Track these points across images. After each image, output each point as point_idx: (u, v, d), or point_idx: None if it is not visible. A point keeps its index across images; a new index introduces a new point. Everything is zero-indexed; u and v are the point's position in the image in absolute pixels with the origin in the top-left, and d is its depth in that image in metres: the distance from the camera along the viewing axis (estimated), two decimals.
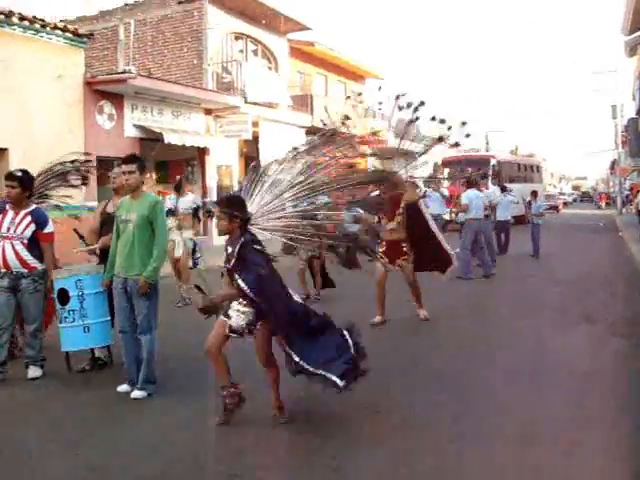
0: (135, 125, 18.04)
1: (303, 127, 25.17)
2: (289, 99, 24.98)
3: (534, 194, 17.54)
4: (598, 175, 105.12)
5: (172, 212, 9.93)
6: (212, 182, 21.44)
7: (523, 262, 15.63)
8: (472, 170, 29.43)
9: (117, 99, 17.47)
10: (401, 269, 8.61)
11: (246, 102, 21.03)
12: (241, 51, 23.63)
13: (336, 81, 30.75)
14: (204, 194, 21.19)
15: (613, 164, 56.87)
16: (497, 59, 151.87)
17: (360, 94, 28.83)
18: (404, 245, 8.61)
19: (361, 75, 32.61)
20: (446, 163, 29.20)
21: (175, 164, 21.68)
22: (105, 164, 18.30)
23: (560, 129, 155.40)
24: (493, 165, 27.61)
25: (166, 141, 17.82)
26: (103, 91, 16.90)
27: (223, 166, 22.19)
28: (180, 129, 19.31)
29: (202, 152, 20.85)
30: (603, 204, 57.68)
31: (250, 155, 22.59)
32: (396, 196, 8.45)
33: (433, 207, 15.03)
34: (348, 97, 28.53)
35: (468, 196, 13.33)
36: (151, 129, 18.08)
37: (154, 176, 22.09)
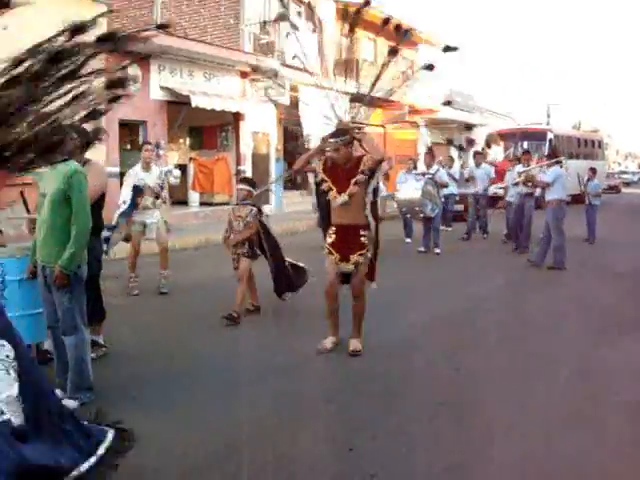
0: (162, 87, 16.96)
1: (347, 93, 23.74)
2: (331, 63, 23.52)
3: (592, 171, 15.89)
4: None
5: (139, 190, 8.51)
6: (247, 149, 20.29)
7: (574, 249, 13.97)
8: (528, 144, 27.95)
9: (142, 59, 16.36)
10: (355, 271, 6.05)
11: (284, 65, 19.70)
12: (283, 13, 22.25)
13: (386, 47, 29.05)
14: (238, 162, 20.12)
15: None
16: (565, 26, 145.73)
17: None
18: (363, 233, 6.07)
19: (413, 41, 30.81)
20: (501, 136, 27.49)
21: (209, 129, 20.64)
22: (130, 128, 17.55)
23: (629, 104, 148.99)
24: (550, 139, 25.76)
25: (194, 104, 16.70)
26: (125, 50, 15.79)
27: (259, 133, 21.01)
28: (212, 92, 18.15)
29: (237, 117, 19.71)
30: None
31: (289, 122, 21.40)
32: (353, 158, 6.17)
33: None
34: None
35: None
36: (179, 92, 16.98)
37: (187, 141, 21.14)
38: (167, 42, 16.04)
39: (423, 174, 12.97)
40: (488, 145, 14.98)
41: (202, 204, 19.56)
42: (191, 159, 19.60)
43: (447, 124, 33.84)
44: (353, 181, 5.98)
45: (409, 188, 12.31)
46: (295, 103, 20.81)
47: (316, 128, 21.60)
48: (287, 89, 19.57)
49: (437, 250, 12.70)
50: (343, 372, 5.67)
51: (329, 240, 6.11)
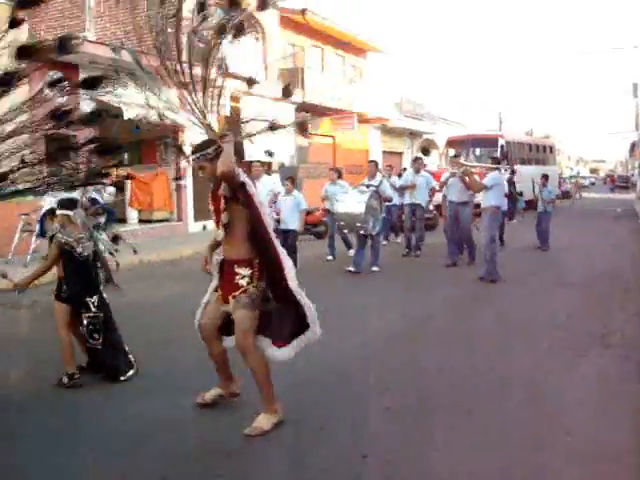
0: (93, 99, 15.97)
1: (294, 103, 23.05)
2: (275, 72, 22.89)
3: (545, 178, 15.24)
4: (617, 158, 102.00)
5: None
6: (187, 163, 19.34)
7: (524, 258, 13.44)
8: (480, 150, 27.53)
9: (70, 69, 15.45)
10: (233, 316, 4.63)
11: (222, 75, 18.88)
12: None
13: (334, 54, 28.50)
14: (179, 177, 19.20)
15: (633, 146, 54.23)
16: (512, 36, 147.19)
17: None
18: (239, 271, 4.63)
19: (361, 48, 30.32)
20: (451, 142, 27.02)
21: (148, 144, 19.67)
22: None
23: (578, 111, 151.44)
24: (502, 145, 25.33)
25: (126, 117, 15.53)
26: (52, 60, 14.87)
27: None
28: (143, 102, 17.20)
29: (176, 129, 18.73)
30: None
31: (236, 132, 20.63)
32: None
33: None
34: None
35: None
36: (110, 103, 15.99)
37: (126, 156, 20.16)
38: (96, 51, 15.15)
39: (367, 186, 11.71)
40: (425, 151, 13.74)
41: (142, 221, 18.59)
42: (128, 175, 18.59)
43: (398, 132, 33.47)
44: (221, 208, 4.64)
45: (351, 201, 11.12)
46: (237, 114, 20.05)
47: (253, 141, 20.99)
48: (227, 98, 18.76)
49: (375, 268, 11.50)
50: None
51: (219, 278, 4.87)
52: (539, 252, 14.06)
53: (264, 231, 4.62)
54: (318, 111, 24.95)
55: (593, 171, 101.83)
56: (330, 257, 13.01)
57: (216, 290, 4.80)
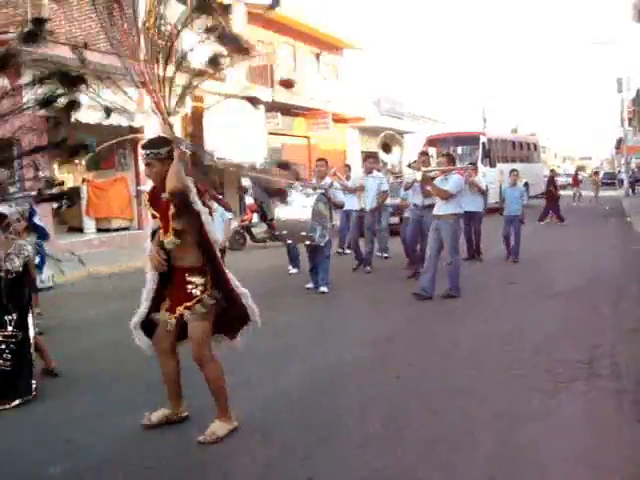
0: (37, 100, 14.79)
1: (262, 102, 21.91)
2: (243, 70, 21.72)
3: (515, 174, 13.34)
4: (603, 155, 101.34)
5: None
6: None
7: (499, 266, 12.13)
8: (461, 149, 26.48)
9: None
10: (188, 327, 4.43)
11: (181, 72, 17.69)
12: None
13: (307, 52, 27.36)
14: (138, 182, 18.02)
15: (619, 142, 53.38)
16: (496, 31, 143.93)
17: None
18: (190, 279, 4.40)
19: (337, 45, 29.18)
20: (431, 141, 25.93)
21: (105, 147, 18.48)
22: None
23: (565, 108, 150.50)
24: (483, 143, 24.31)
25: (73, 118, 14.53)
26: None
27: None
28: (101, 105, 16.01)
29: (133, 132, 17.59)
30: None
31: (197, 135, 19.42)
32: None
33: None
34: None
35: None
36: (57, 106, 14.80)
37: (83, 162, 18.96)
38: (42, 49, 13.96)
39: (314, 188, 9.84)
40: (385, 148, 11.43)
41: (100, 230, 17.37)
42: (84, 180, 17.45)
43: (377, 131, 32.36)
44: (170, 215, 4.33)
45: (295, 205, 9.26)
46: (200, 113, 18.89)
47: (218, 143, 19.78)
48: (187, 98, 17.58)
49: (323, 288, 9.57)
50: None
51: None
52: (523, 258, 12.40)
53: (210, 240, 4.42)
54: (289, 110, 23.84)
55: (580, 168, 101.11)
56: (293, 270, 11.62)
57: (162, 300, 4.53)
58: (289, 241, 10.11)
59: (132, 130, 17.51)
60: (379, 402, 5.09)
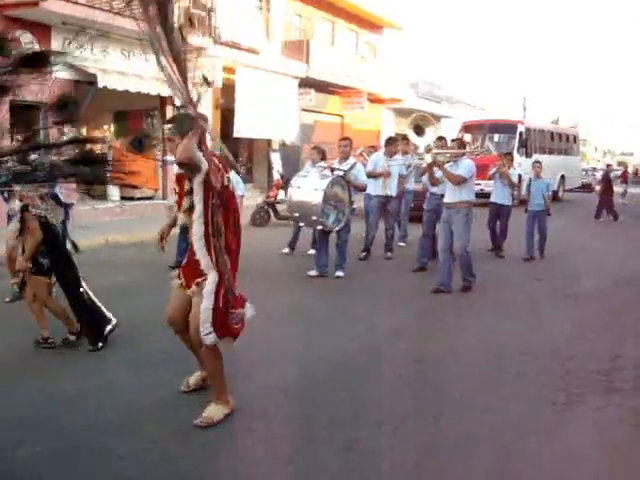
0: (67, 64, 14.58)
1: (296, 77, 21.52)
2: (278, 44, 21.39)
3: (537, 165, 12.30)
4: None
5: None
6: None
7: (522, 262, 11.41)
8: (498, 137, 25.79)
9: (41, 30, 14.06)
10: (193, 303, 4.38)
11: (217, 43, 17.40)
12: None
13: (346, 29, 26.83)
14: (164, 152, 17.79)
15: None
16: (542, 17, 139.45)
17: None
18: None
19: (376, 24, 28.59)
20: (467, 128, 25.31)
21: (135, 115, 18.33)
22: (27, 111, 15.06)
23: (608, 101, 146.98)
24: (520, 132, 23.58)
25: (100, 84, 14.37)
26: (21, 19, 13.48)
27: None
28: (131, 72, 15.81)
29: (163, 101, 17.39)
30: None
31: (228, 107, 19.11)
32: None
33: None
34: None
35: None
36: (85, 70, 14.61)
37: (111, 128, 18.83)
38: (69, 10, 13.72)
39: (332, 169, 9.20)
40: (418, 130, 10.60)
41: (123, 198, 17.23)
42: (110, 147, 17.27)
43: (413, 114, 31.74)
44: (185, 192, 4.37)
45: (308, 187, 8.83)
46: (232, 86, 18.60)
47: (249, 117, 19.45)
48: (219, 70, 17.28)
49: (339, 273, 9.22)
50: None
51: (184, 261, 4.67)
52: (549, 254, 11.79)
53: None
54: (324, 88, 23.42)
55: (620, 164, 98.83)
56: (286, 250, 11.23)
57: (178, 277, 4.58)
58: (301, 224, 9.63)
59: (162, 99, 17.39)
60: (377, 402, 4.79)
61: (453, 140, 8.96)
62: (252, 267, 9.11)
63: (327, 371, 5.43)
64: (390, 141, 11.53)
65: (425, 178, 9.67)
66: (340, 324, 6.87)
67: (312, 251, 10.62)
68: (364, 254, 10.96)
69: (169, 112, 17.41)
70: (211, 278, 4.19)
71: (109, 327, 5.81)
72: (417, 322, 7.17)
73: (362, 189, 9.82)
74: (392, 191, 10.99)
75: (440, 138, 9.97)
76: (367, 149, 13.37)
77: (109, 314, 5.91)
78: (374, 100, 27.34)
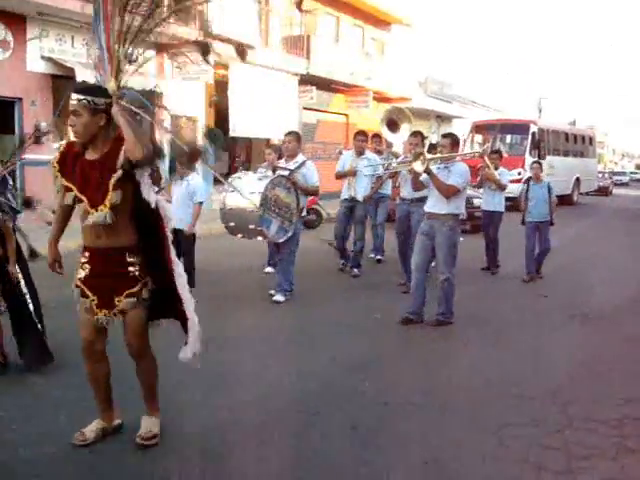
0: (44, 57, 13.68)
1: (296, 74, 20.49)
2: (278, 39, 20.39)
3: (535, 166, 9.94)
4: None
5: None
6: (164, 136, 16.93)
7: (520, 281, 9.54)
8: (510, 137, 24.63)
9: (15, 21, 13.14)
10: (123, 319, 3.75)
11: (208, 36, 16.35)
12: None
13: (351, 25, 25.75)
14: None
15: None
16: (558, 15, 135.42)
17: None
18: (131, 260, 3.74)
19: (384, 20, 27.47)
20: (478, 128, 24.23)
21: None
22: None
23: (625, 103, 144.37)
24: (533, 133, 22.43)
25: (79, 78, 13.34)
26: None
27: (183, 117, 17.70)
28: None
29: (152, 98, 16.40)
30: None
31: (221, 105, 18.10)
32: (110, 141, 3.67)
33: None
34: None
35: None
36: (63, 63, 13.68)
37: None
38: (50, 1, 12.77)
39: (273, 169, 7.76)
40: (391, 125, 9.42)
41: None
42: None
43: (422, 114, 30.60)
44: (112, 182, 3.61)
45: (243, 190, 7.29)
46: (224, 82, 17.60)
47: (245, 115, 18.39)
48: (211, 65, 16.24)
49: (278, 297, 7.60)
50: None
51: (80, 274, 3.78)
52: (556, 265, 10.39)
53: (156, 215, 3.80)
54: (326, 85, 22.35)
55: (639, 167, 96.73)
56: (268, 269, 9.36)
57: (83, 295, 3.75)
58: (239, 235, 7.79)
59: (150, 95, 16.37)
60: (326, 452, 3.76)
61: (445, 135, 7.34)
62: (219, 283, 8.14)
63: (269, 413, 4.40)
64: (358, 135, 9.66)
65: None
66: (302, 354, 5.82)
67: (269, 269, 9.25)
68: (342, 265, 9.76)
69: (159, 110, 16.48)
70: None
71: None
72: (390, 354, 6.01)
73: (312, 193, 8.17)
74: (358, 194, 9.31)
75: (415, 133, 8.32)
76: (372, 138, 11.29)
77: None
78: (381, 99, 26.22)
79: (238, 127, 18.51)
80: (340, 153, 10.78)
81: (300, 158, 7.92)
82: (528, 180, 9.92)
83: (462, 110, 34.06)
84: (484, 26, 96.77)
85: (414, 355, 5.97)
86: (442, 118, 33.34)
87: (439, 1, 63.73)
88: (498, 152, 10.65)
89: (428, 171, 6.50)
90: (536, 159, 14.30)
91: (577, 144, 26.92)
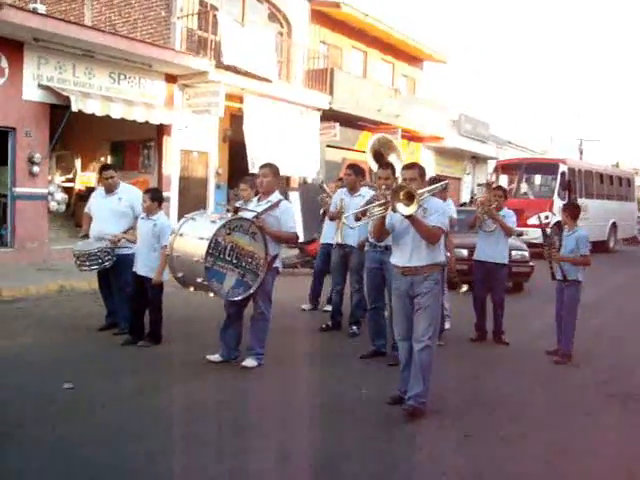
0: (41, 85, 12.92)
1: (318, 109, 19.50)
2: (300, 73, 19.55)
3: (573, 212, 7.54)
4: None
5: None
6: (173, 170, 16.09)
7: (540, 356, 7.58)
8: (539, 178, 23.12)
9: (11, 47, 12.41)
10: None
11: (218, 67, 15.54)
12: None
13: (380, 60, 24.83)
14: (160, 186, 15.96)
15: None
16: (599, 51, 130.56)
17: None
18: None
19: (415, 56, 26.51)
20: (503, 167, 22.88)
21: (132, 146, 16.62)
22: None
23: None
24: (562, 172, 20.72)
25: (74, 108, 12.57)
26: None
27: (194, 152, 16.84)
28: (119, 97, 14.08)
29: (160, 131, 15.62)
30: None
31: (237, 140, 17.10)
32: None
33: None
34: None
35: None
36: (60, 92, 12.90)
37: (109, 159, 17.12)
38: (36, 24, 11.96)
39: (235, 210, 6.43)
40: (377, 157, 7.38)
41: None
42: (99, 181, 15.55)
43: (456, 154, 29.40)
44: None
45: (192, 234, 6.11)
46: (240, 116, 16.68)
47: (263, 151, 17.21)
48: (222, 97, 15.37)
49: (249, 362, 6.41)
50: None
51: None
52: (591, 329, 8.80)
53: None
54: (351, 122, 21.34)
55: None
56: (306, 306, 9.03)
57: None
58: (192, 289, 6.32)
59: (159, 129, 15.60)
60: None
61: (408, 167, 5.48)
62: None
63: None
64: (347, 169, 8.36)
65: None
66: (260, 432, 4.63)
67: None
68: (324, 326, 8.40)
69: (166, 143, 15.62)
70: None
71: None
72: (372, 448, 4.74)
73: (287, 240, 6.81)
74: (350, 239, 7.93)
75: (386, 165, 6.51)
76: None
77: None
78: (412, 138, 25.18)
79: (257, 163, 17.51)
80: (321, 188, 9.48)
81: (275, 197, 6.52)
82: (559, 225, 8.38)
83: (498, 150, 32.80)
84: (523, 63, 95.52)
85: (397, 454, 4.68)
86: (477, 159, 32.14)
87: (475, 36, 62.87)
88: (501, 189, 8.55)
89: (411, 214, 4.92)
90: (572, 203, 12.60)
91: (613, 186, 25.16)
